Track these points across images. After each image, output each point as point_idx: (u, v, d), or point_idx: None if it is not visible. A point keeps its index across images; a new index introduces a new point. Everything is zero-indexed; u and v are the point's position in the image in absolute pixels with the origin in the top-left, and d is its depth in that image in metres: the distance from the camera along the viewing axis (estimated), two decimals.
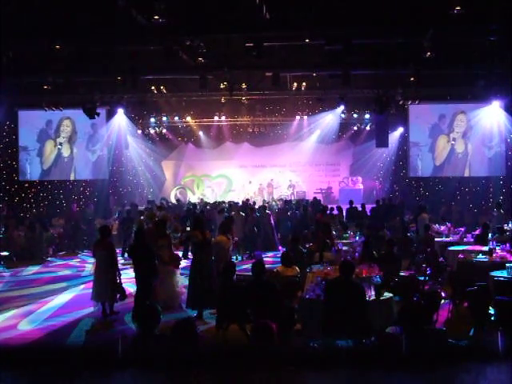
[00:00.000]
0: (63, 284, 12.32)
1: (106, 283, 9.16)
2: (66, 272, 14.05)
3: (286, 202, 20.71)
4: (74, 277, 13.24)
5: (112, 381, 4.29)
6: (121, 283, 9.29)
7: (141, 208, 18.89)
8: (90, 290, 9.60)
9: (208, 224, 13.90)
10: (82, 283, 12.05)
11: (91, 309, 9.58)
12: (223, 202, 20.69)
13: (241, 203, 19.89)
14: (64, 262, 15.61)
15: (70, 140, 22.29)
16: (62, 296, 11.11)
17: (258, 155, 25.46)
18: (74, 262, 15.71)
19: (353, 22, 12.06)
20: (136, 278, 9.05)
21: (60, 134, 22.25)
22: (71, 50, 13.47)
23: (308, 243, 11.92)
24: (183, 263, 11.99)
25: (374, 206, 17.89)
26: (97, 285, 9.30)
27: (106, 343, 6.91)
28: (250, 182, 25.12)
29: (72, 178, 22.29)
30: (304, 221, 16.88)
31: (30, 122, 22.12)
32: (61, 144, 22.24)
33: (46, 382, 4.42)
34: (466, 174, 22.01)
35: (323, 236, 11.15)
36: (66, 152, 22.26)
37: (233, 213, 16.77)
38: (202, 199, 23.22)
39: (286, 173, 25.49)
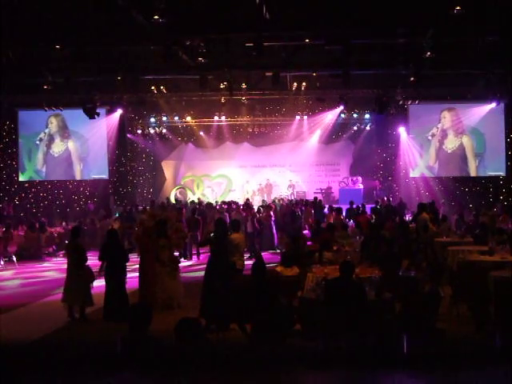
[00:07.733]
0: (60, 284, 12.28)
1: (77, 286, 8.95)
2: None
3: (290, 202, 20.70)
4: None
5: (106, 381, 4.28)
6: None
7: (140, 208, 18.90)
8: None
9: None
10: None
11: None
12: (224, 202, 20.69)
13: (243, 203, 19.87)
14: (64, 262, 15.55)
15: (62, 136, 22.52)
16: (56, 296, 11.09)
17: (257, 155, 25.43)
18: None
19: (353, 22, 12.07)
20: (106, 277, 8.97)
21: (49, 129, 22.49)
22: (71, 50, 13.48)
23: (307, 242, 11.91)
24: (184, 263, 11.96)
25: (374, 206, 17.83)
26: (67, 287, 9.08)
27: (96, 345, 6.87)
28: (248, 182, 25.21)
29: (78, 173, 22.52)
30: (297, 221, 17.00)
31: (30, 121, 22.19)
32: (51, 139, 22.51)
33: (44, 382, 4.42)
34: (467, 173, 22.04)
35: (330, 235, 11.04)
36: (56, 148, 22.55)
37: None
38: (199, 198, 23.17)
39: (286, 173, 25.44)
